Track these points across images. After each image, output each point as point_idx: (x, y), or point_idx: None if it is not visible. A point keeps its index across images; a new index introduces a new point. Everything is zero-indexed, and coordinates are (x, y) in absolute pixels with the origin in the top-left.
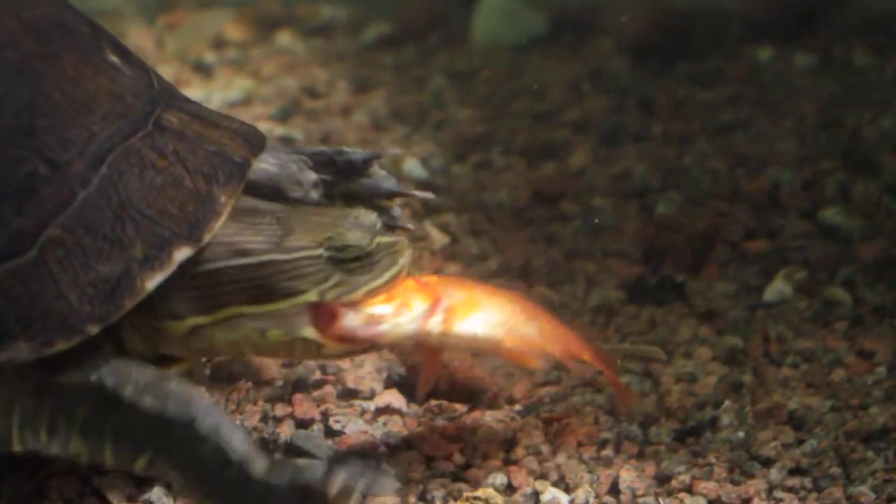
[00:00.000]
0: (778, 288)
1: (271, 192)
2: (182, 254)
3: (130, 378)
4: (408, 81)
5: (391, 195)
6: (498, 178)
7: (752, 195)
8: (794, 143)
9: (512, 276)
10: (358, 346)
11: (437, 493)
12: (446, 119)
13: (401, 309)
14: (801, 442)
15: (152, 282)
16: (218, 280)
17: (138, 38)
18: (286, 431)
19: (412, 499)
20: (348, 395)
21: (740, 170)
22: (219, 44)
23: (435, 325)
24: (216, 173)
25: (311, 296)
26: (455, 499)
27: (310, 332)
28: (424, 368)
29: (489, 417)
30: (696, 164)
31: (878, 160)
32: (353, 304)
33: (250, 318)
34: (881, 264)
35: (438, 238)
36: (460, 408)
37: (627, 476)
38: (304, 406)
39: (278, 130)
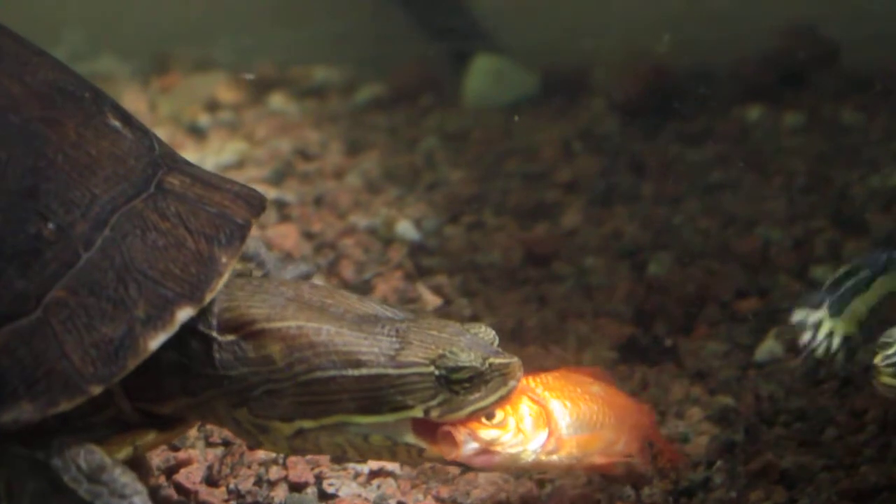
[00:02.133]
0: (769, 347)
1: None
2: (184, 314)
3: (75, 461)
4: (400, 143)
5: None
6: (490, 238)
7: (742, 254)
8: (784, 202)
9: (504, 336)
10: (477, 467)
11: None
12: (439, 180)
13: (517, 437)
14: (793, 501)
15: (155, 342)
16: (329, 388)
17: (132, 100)
18: (280, 495)
19: None
20: (342, 458)
21: (730, 229)
22: (212, 106)
23: (550, 455)
24: (218, 234)
25: (417, 412)
26: None
27: (412, 438)
28: None
29: (482, 480)
30: (686, 224)
31: (867, 218)
32: (464, 423)
33: (355, 425)
34: (871, 323)
35: (431, 300)
36: (454, 470)
37: None
38: (297, 469)
39: (272, 193)
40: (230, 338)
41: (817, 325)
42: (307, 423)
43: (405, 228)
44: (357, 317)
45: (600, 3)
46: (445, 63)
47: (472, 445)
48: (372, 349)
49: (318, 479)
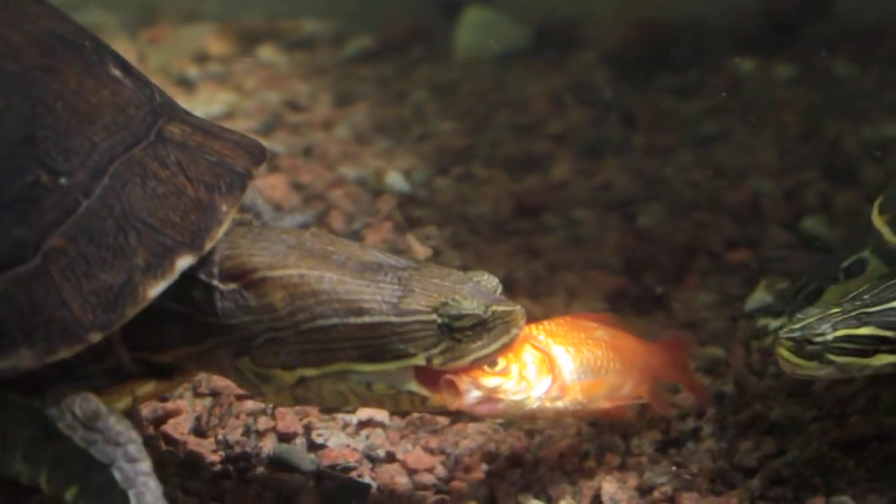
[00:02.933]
0: (759, 298)
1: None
2: (184, 262)
3: (70, 409)
4: (390, 95)
5: None
6: (480, 190)
7: (733, 205)
8: (775, 154)
9: None
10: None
11: None
12: (428, 132)
13: (520, 384)
14: (782, 452)
15: (154, 290)
16: (331, 336)
17: (121, 52)
18: (269, 445)
19: None
20: (330, 408)
21: (721, 181)
22: (201, 58)
23: (554, 402)
24: (218, 183)
25: (419, 360)
26: None
27: (415, 386)
28: None
29: (471, 430)
30: (677, 176)
31: (859, 170)
32: (466, 371)
33: (358, 373)
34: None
35: (421, 250)
36: (443, 420)
37: (610, 487)
38: (286, 420)
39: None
40: (232, 286)
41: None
42: (309, 372)
43: (394, 180)
44: (359, 264)
45: None
46: (435, 15)
47: (475, 393)
48: (374, 297)
49: (307, 429)
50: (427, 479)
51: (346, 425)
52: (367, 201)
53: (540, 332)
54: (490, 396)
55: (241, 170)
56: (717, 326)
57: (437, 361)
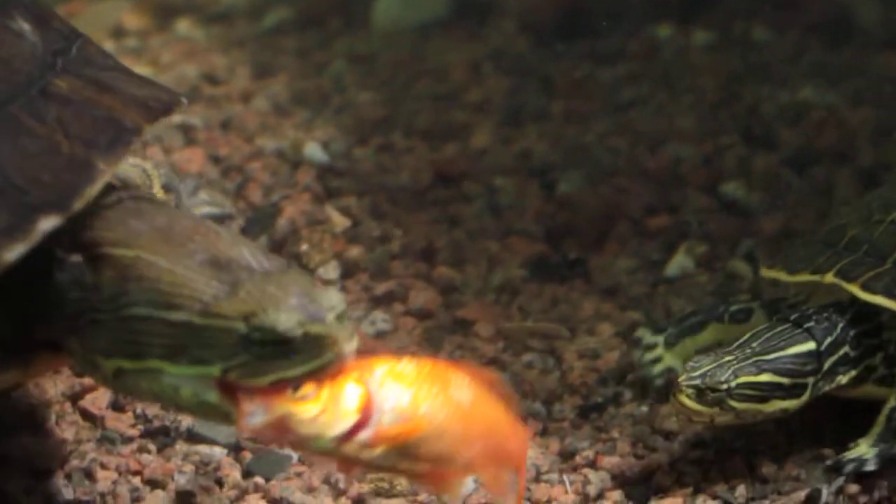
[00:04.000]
0: (679, 262)
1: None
2: (48, 223)
3: None
4: (309, 66)
5: None
6: (399, 160)
7: (652, 171)
8: (694, 120)
9: (415, 257)
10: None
11: None
12: (347, 103)
13: (319, 419)
14: None
15: (12, 253)
16: (143, 328)
17: None
18: (188, 419)
19: None
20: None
21: (641, 146)
22: (118, 33)
23: (358, 447)
24: (97, 139)
25: (215, 370)
26: None
27: (215, 398)
28: None
29: None
30: (596, 142)
31: (777, 134)
32: (266, 392)
33: (167, 374)
34: (781, 237)
35: (340, 221)
36: None
37: (531, 453)
38: None
39: (178, 118)
40: (75, 258)
41: (650, 348)
42: (125, 364)
43: (313, 151)
44: (210, 258)
45: None
46: None
47: (259, 418)
48: (193, 294)
49: None
50: None
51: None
52: (286, 173)
53: (380, 368)
54: (278, 424)
55: (130, 125)
56: (637, 291)
57: (232, 375)
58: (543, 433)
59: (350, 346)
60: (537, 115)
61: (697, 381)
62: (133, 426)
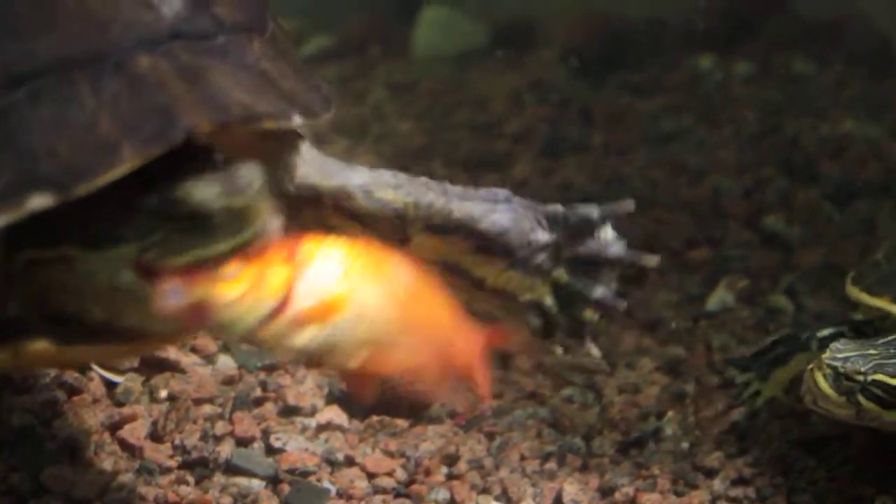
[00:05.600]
0: (720, 297)
1: (499, 249)
2: (38, 201)
3: None
4: (348, 94)
5: (616, 263)
6: None
7: (692, 203)
8: (735, 152)
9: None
10: (185, 325)
11: None
12: (388, 131)
13: (242, 300)
14: (744, 451)
15: None
16: (57, 211)
17: None
18: (226, 450)
19: None
20: (289, 412)
21: (681, 178)
22: None
23: (280, 331)
24: (140, 127)
25: (131, 249)
26: None
27: (131, 277)
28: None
29: (431, 432)
30: (636, 174)
31: (818, 167)
32: (189, 272)
33: (81, 261)
34: (822, 271)
35: None
36: (402, 423)
37: (571, 489)
38: (244, 424)
39: None
40: None
41: (747, 384)
42: (36, 253)
43: None
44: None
45: None
46: (393, 14)
47: (177, 298)
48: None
49: (265, 433)
50: (387, 482)
51: (304, 429)
52: None
53: (307, 246)
54: (197, 306)
55: (185, 122)
56: (678, 326)
57: (150, 254)
58: (583, 469)
59: (274, 221)
60: (577, 146)
61: (838, 364)
62: (171, 457)
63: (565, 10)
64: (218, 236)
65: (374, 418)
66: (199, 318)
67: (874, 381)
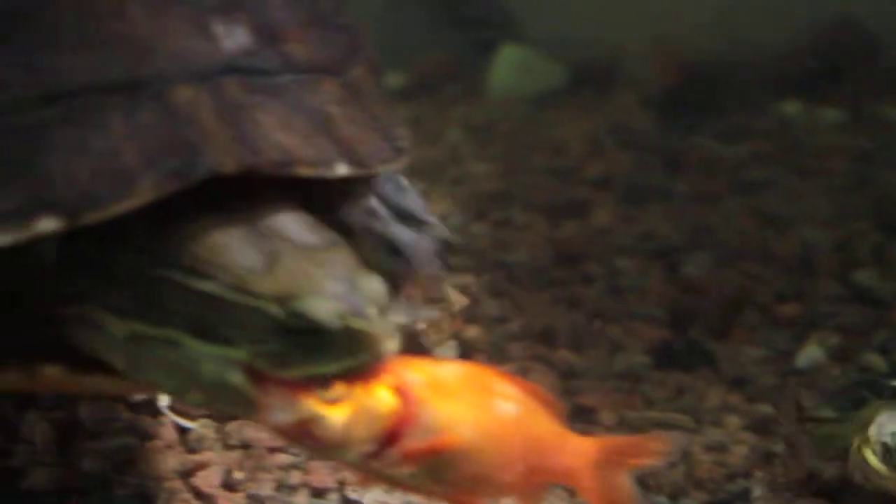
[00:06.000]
0: (810, 353)
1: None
2: (47, 225)
3: None
4: (424, 134)
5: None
6: (518, 236)
7: (781, 256)
8: (825, 202)
9: (534, 339)
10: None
11: None
12: (464, 174)
13: (348, 426)
14: None
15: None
16: (167, 292)
17: None
18: (301, 501)
19: None
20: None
21: (769, 229)
22: None
23: (386, 464)
24: (162, 160)
25: (242, 353)
26: None
27: (240, 379)
28: None
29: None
30: (723, 224)
31: None
32: (296, 387)
33: (188, 347)
34: None
35: (457, 299)
36: None
37: None
38: (319, 475)
39: None
40: None
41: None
42: (143, 328)
43: None
44: (257, 229)
45: None
46: (470, 53)
47: (282, 415)
48: (226, 264)
49: (341, 484)
50: None
51: None
52: None
53: (419, 373)
54: (303, 426)
55: (207, 160)
56: (767, 382)
57: (260, 362)
58: None
59: (390, 345)
60: (660, 194)
61: (888, 439)
62: None
63: (646, 50)
64: (333, 355)
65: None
66: (302, 438)
67: None
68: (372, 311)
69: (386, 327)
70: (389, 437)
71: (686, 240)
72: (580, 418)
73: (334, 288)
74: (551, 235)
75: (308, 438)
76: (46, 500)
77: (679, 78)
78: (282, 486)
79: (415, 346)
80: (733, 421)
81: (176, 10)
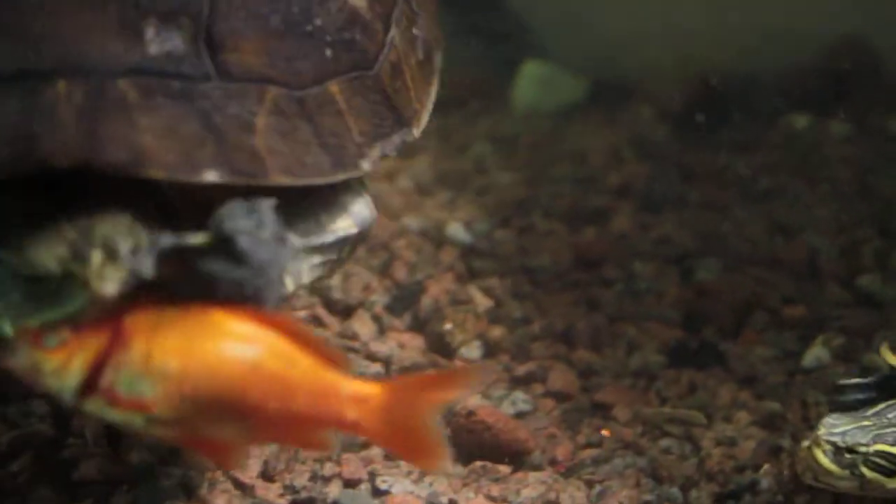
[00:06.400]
0: (816, 354)
1: None
2: None
3: None
4: (451, 147)
5: None
6: (541, 242)
7: (789, 262)
8: (831, 211)
9: (555, 339)
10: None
11: None
12: (489, 184)
13: (62, 371)
14: None
15: None
16: None
17: None
18: (334, 491)
19: None
20: None
21: (778, 237)
22: None
23: (98, 407)
24: (1, 150)
25: None
26: None
27: (7, 327)
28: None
29: (532, 479)
30: (734, 231)
31: None
32: (35, 337)
33: None
34: None
35: (482, 301)
36: (504, 469)
37: None
38: (351, 466)
39: None
40: None
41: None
42: None
43: (456, 231)
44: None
45: (650, 12)
46: (494, 69)
47: (11, 360)
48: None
49: (372, 475)
50: None
51: (409, 472)
52: (430, 252)
53: (144, 318)
54: (28, 372)
55: (40, 154)
56: (775, 381)
57: (6, 314)
58: None
59: (109, 288)
60: (675, 202)
61: (837, 439)
62: (282, 496)
63: (664, 67)
64: (57, 303)
65: (477, 464)
66: (30, 381)
67: (876, 452)
68: (96, 256)
69: (107, 271)
70: (94, 371)
71: (699, 246)
72: (598, 414)
73: (66, 237)
74: (572, 241)
75: (31, 381)
76: (96, 490)
77: (695, 93)
78: (316, 477)
79: (441, 345)
80: (743, 417)
81: (111, 9)
